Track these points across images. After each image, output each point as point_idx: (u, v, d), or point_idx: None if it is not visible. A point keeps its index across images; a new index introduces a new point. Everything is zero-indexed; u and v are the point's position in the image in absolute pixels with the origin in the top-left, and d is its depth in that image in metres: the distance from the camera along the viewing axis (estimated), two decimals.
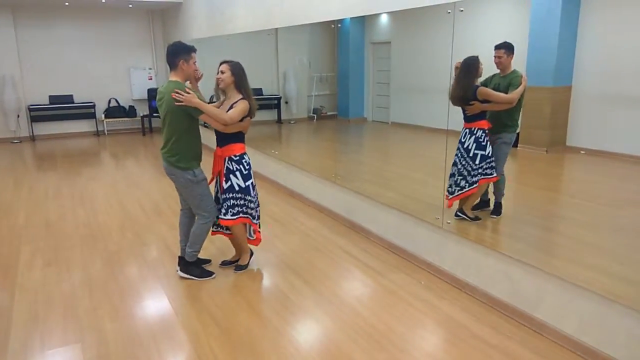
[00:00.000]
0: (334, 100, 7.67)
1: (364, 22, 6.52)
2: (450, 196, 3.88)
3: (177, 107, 3.27)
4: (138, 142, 10.26)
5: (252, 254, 4.02)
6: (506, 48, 3.62)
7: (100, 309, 3.37)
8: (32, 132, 10.50)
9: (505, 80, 3.63)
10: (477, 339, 2.98)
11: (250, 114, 3.53)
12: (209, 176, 3.67)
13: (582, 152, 4.40)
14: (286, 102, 8.23)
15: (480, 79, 3.70)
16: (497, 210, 3.89)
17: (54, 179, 7.09)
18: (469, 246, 3.57)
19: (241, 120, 3.50)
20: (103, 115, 10.90)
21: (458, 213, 3.84)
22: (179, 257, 3.87)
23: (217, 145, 3.64)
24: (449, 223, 3.74)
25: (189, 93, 3.27)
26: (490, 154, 3.73)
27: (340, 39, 6.35)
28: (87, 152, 9.26)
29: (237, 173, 3.60)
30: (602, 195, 4.19)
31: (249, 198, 3.67)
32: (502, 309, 3.28)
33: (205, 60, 10.01)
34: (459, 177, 3.86)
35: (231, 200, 3.63)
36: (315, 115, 8.04)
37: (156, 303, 3.47)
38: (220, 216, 3.68)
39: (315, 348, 2.92)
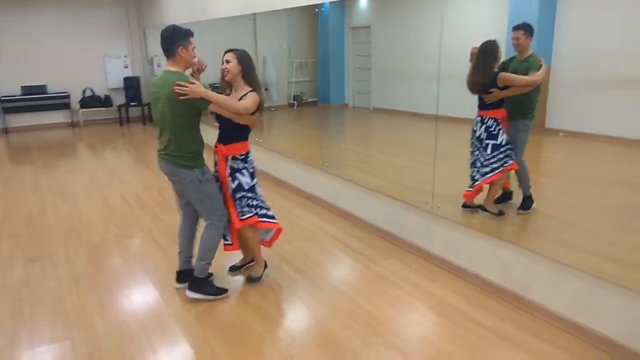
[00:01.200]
0: (314, 87, 7.60)
1: (344, 6, 6.45)
2: (469, 190, 3.74)
3: (180, 101, 2.87)
4: (115, 132, 10.04)
5: (266, 265, 3.67)
6: (525, 29, 3.37)
7: (88, 305, 3.30)
8: (5, 125, 10.19)
9: (524, 65, 3.42)
10: (470, 321, 3.01)
11: (259, 108, 3.20)
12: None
13: (561, 134, 4.46)
14: (266, 89, 8.12)
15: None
16: (526, 204, 3.60)
17: (31, 172, 6.89)
18: (459, 229, 3.59)
19: (252, 114, 3.18)
20: (78, 106, 10.62)
21: (480, 210, 3.68)
22: (177, 272, 3.45)
23: (220, 142, 3.26)
24: (439, 207, 3.75)
25: (192, 83, 2.87)
26: (503, 143, 3.56)
27: (320, 24, 6.27)
28: (63, 144, 9.02)
29: (244, 171, 3.29)
30: (582, 175, 4.26)
31: (257, 197, 3.38)
32: (494, 290, 3.31)
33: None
34: (474, 169, 3.72)
35: (244, 200, 3.29)
36: (295, 102, 7.97)
37: (146, 296, 3.41)
38: (240, 218, 3.30)
39: (311, 336, 2.91)
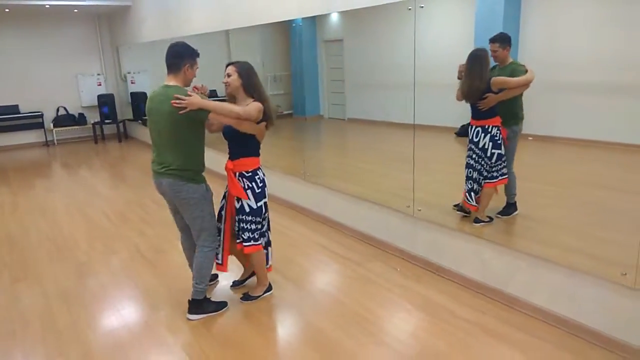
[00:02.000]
0: (289, 99, 7.71)
1: (316, 20, 6.61)
2: (472, 201, 3.69)
3: (180, 116, 2.83)
4: (90, 150, 9.96)
5: (270, 288, 3.57)
6: (500, 41, 3.44)
7: (79, 321, 3.31)
8: None
9: (506, 71, 3.47)
10: (455, 317, 3.15)
11: (267, 119, 3.14)
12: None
13: (530, 138, 4.66)
14: None
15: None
16: (507, 210, 3.63)
17: (8, 193, 6.79)
18: (439, 231, 3.75)
19: (257, 123, 3.12)
20: (52, 125, 10.50)
21: (475, 223, 3.65)
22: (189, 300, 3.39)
23: (229, 158, 3.23)
24: (420, 210, 3.90)
25: (189, 96, 2.84)
26: (503, 152, 3.57)
27: (293, 38, 6.40)
28: (38, 164, 8.90)
29: (249, 192, 3.20)
30: (554, 178, 4.46)
31: (259, 220, 3.28)
32: (476, 287, 3.47)
33: (162, 61, 9.76)
34: (480, 178, 3.67)
35: (241, 224, 3.24)
36: None
37: (137, 309, 3.44)
38: (237, 240, 3.29)
39: (305, 339, 3.00)
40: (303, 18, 5.22)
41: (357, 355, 2.81)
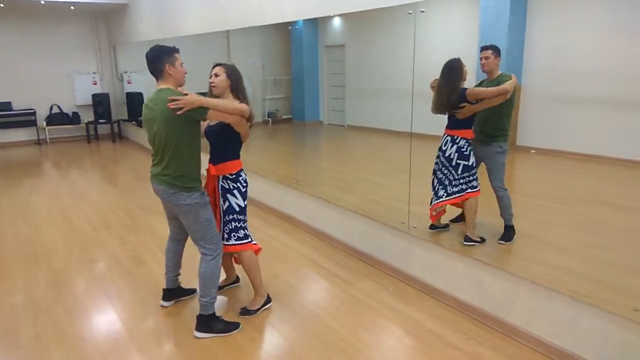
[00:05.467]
0: (288, 104, 7.53)
1: (317, 24, 6.43)
2: (430, 207, 3.66)
3: (177, 117, 2.70)
4: (83, 150, 9.74)
5: (269, 300, 3.40)
6: (493, 49, 3.33)
7: (45, 335, 3.08)
8: None
9: (494, 84, 3.35)
10: (448, 346, 2.91)
11: (250, 120, 3.05)
12: None
13: (532, 151, 4.46)
14: None
15: (466, 84, 3.45)
16: (508, 235, 3.41)
17: None
18: (435, 250, 3.51)
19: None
20: (44, 123, 10.28)
21: (465, 243, 3.46)
22: (164, 289, 3.40)
23: (211, 162, 3.12)
24: (415, 227, 3.67)
25: (185, 95, 2.73)
26: (473, 165, 3.48)
27: (294, 42, 6.23)
28: (28, 162, 8.68)
29: (235, 191, 3.11)
30: (555, 193, 4.26)
31: (246, 219, 3.21)
32: (472, 313, 3.23)
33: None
34: (439, 187, 3.61)
35: (233, 223, 3.12)
36: (270, 119, 7.87)
37: (108, 325, 3.20)
38: (228, 242, 3.16)
39: None
40: (304, 22, 5.02)
41: None
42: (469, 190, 3.53)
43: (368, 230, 4.11)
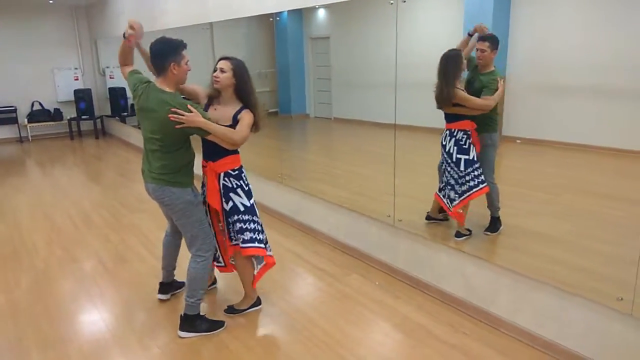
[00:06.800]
0: (274, 97, 7.46)
1: (302, 16, 6.36)
2: (450, 206, 3.47)
3: (169, 127, 2.60)
4: (66, 147, 9.58)
5: (258, 302, 3.28)
6: (491, 41, 3.17)
7: (25, 339, 3.01)
8: None
9: (484, 80, 3.24)
10: (435, 339, 2.90)
11: (255, 126, 2.88)
12: None
13: (517, 141, 4.46)
14: None
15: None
16: (494, 226, 3.38)
17: None
18: (421, 243, 3.49)
19: None
20: (26, 120, 10.08)
21: (456, 238, 3.41)
22: (160, 283, 3.38)
23: (207, 159, 2.92)
24: (401, 221, 3.65)
25: (190, 111, 2.59)
26: (474, 158, 3.31)
27: (278, 34, 6.16)
28: (9, 161, 8.52)
29: (239, 190, 2.94)
30: (541, 182, 4.26)
31: (256, 219, 3.03)
32: (458, 305, 3.22)
33: (139, 59, 9.51)
34: (448, 188, 3.45)
35: (238, 224, 2.96)
36: None
37: (90, 327, 3.14)
38: (231, 243, 3.06)
39: None
40: (289, 14, 4.95)
41: None
42: (474, 190, 3.36)
43: (354, 224, 4.08)
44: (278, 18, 5.09)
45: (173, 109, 2.56)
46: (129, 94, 9.77)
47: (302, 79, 6.99)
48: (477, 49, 3.24)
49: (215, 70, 2.83)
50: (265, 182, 5.32)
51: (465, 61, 3.23)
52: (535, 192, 4.13)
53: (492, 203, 3.40)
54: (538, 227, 3.60)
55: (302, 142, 7.40)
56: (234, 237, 3.02)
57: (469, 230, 3.46)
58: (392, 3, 3.40)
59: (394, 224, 3.67)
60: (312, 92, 7.13)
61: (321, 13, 6.27)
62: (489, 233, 3.43)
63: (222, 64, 2.81)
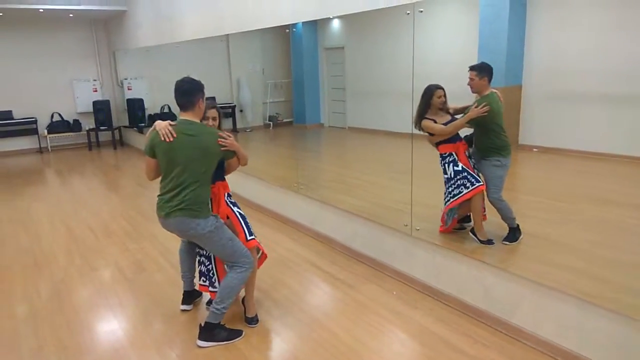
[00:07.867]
0: (289, 107, 7.52)
1: (317, 27, 6.41)
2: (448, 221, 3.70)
3: (218, 151, 2.84)
4: (84, 157, 9.73)
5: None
6: (478, 70, 3.31)
7: (46, 347, 3.05)
8: None
9: (480, 102, 3.33)
10: (454, 350, 2.87)
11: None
12: None
13: (534, 149, 4.43)
14: (241, 111, 8.00)
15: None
16: (513, 235, 3.43)
17: None
18: (439, 252, 3.47)
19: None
20: (46, 131, 10.28)
21: (470, 233, 3.56)
22: (185, 291, 3.43)
23: (217, 180, 3.16)
24: (418, 230, 3.63)
25: (226, 137, 2.89)
26: (452, 176, 3.51)
27: (293, 45, 6.21)
28: (29, 171, 8.68)
29: (237, 203, 3.26)
30: (558, 191, 4.22)
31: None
32: (478, 316, 3.18)
33: (159, 67, 9.69)
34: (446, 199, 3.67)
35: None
36: (271, 123, 7.86)
37: (109, 336, 3.17)
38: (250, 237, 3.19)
39: None
40: (304, 25, 4.99)
41: None
42: (459, 196, 3.50)
43: (371, 233, 4.07)
44: (294, 29, 5.13)
45: (220, 134, 2.86)
46: (146, 104, 9.98)
47: (316, 89, 7.03)
48: (468, 78, 3.38)
49: (207, 119, 3.07)
50: (282, 191, 5.34)
51: (440, 93, 3.51)
52: (553, 201, 4.09)
53: (505, 218, 3.44)
54: (557, 236, 3.56)
55: (317, 151, 7.43)
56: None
57: (489, 240, 3.46)
58: (408, 13, 3.41)
59: (411, 233, 3.65)
60: (326, 101, 7.17)
61: (335, 24, 6.32)
62: (507, 243, 3.43)
63: (213, 113, 3.11)
